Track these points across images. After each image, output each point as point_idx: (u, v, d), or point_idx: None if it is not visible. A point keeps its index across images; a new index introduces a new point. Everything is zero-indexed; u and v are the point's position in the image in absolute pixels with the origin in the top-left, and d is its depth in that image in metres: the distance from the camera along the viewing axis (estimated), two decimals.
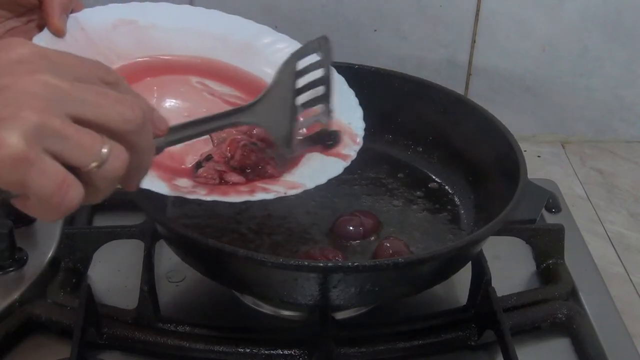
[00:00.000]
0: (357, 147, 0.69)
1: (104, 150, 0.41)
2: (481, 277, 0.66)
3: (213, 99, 0.70)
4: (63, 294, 0.68)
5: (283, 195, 0.63)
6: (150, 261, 0.67)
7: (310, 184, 0.64)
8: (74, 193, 0.41)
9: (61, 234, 0.72)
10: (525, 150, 0.71)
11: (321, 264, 0.60)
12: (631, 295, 0.75)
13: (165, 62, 0.70)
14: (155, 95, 0.68)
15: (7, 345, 0.64)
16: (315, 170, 0.66)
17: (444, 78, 0.95)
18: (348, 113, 0.71)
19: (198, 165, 0.65)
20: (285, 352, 0.63)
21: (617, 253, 0.81)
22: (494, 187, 0.72)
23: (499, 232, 0.66)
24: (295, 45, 0.71)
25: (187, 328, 0.65)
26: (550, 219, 0.82)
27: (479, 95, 0.95)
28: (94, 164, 0.41)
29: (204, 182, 0.64)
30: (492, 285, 0.65)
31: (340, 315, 0.68)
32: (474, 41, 0.94)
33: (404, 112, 0.83)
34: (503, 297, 0.68)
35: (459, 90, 0.94)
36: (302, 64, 0.64)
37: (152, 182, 0.59)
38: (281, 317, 0.69)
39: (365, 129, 0.83)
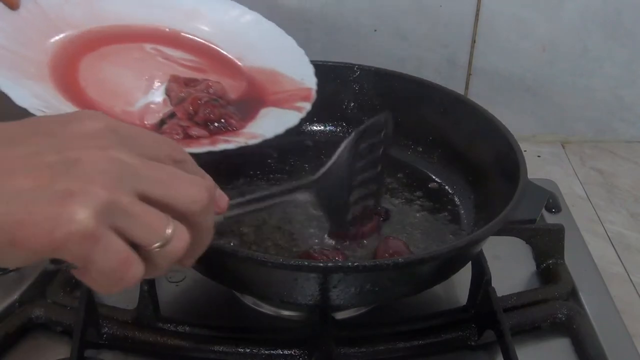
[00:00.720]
0: (312, 100, 0.73)
1: (169, 231, 0.41)
2: (481, 277, 0.66)
3: (168, 63, 0.74)
4: (63, 294, 0.68)
5: (244, 145, 0.66)
6: None
7: (269, 134, 0.67)
8: (135, 271, 0.41)
9: None
10: (525, 150, 0.71)
11: (321, 264, 0.60)
12: (631, 295, 0.75)
13: (117, 31, 0.73)
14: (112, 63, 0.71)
15: (7, 345, 0.64)
16: (273, 122, 0.69)
17: (444, 78, 0.95)
18: (300, 69, 0.75)
19: (162, 122, 0.67)
20: (285, 352, 0.63)
21: (617, 253, 0.81)
22: (494, 187, 0.72)
23: (499, 232, 0.66)
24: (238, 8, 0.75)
25: (187, 328, 0.65)
26: (550, 219, 0.82)
27: (479, 95, 0.95)
28: (157, 244, 0.41)
29: (168, 137, 0.65)
30: (492, 285, 0.65)
31: (340, 315, 0.68)
32: (474, 41, 0.95)
33: (404, 112, 0.83)
34: (503, 297, 0.68)
35: (459, 90, 0.94)
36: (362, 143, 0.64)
37: None
38: (281, 317, 0.69)
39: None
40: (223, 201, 0.49)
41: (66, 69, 0.67)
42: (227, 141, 0.66)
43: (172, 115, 0.68)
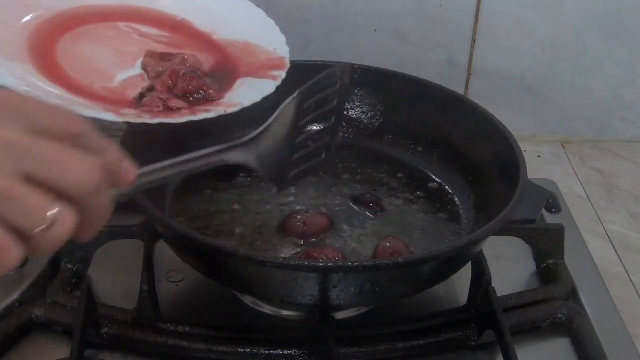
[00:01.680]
0: (286, 68, 0.74)
1: (51, 215, 0.39)
2: (481, 277, 0.66)
3: (143, 40, 0.75)
4: (63, 294, 0.68)
5: (223, 113, 0.66)
6: (150, 261, 0.67)
7: (247, 102, 0.68)
8: (13, 255, 0.39)
9: None
10: (525, 150, 0.71)
11: (321, 264, 0.60)
12: (631, 295, 0.75)
13: (91, 12, 0.75)
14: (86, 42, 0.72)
15: (7, 345, 0.64)
16: (250, 91, 0.70)
17: (444, 78, 0.95)
18: (272, 39, 0.77)
19: (141, 96, 0.68)
20: (285, 352, 0.63)
21: (617, 253, 0.81)
22: (494, 187, 0.72)
23: (499, 232, 0.66)
24: None
25: (187, 328, 0.65)
26: (550, 219, 0.82)
27: (479, 95, 0.95)
28: (38, 230, 0.39)
29: (149, 110, 0.67)
30: (492, 285, 0.65)
31: (340, 315, 0.68)
32: (474, 41, 0.94)
33: (404, 112, 0.83)
34: (503, 297, 0.68)
35: (459, 90, 0.94)
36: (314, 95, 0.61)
37: (99, 113, 0.62)
38: (281, 317, 0.69)
39: (366, 129, 0.84)
40: (130, 174, 0.46)
41: (44, 49, 0.69)
42: (207, 110, 0.67)
43: (151, 88, 0.69)
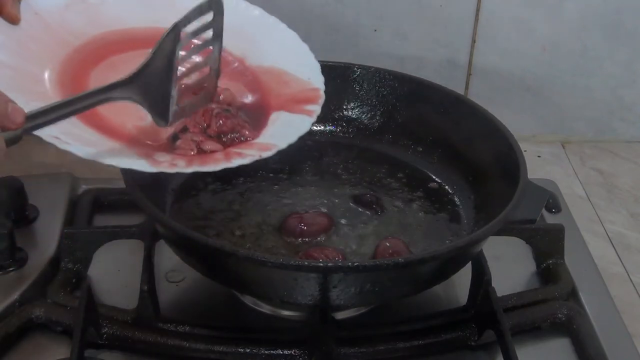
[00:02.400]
0: (321, 102, 0.69)
1: None
2: (481, 277, 0.66)
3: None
4: (63, 294, 0.68)
5: (258, 158, 0.64)
6: (150, 261, 0.67)
7: (282, 144, 0.65)
8: None
9: (61, 234, 0.72)
10: (525, 150, 0.71)
11: (321, 264, 0.60)
12: (631, 295, 0.75)
13: (121, 38, 0.70)
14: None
15: (7, 345, 0.64)
16: (284, 130, 0.67)
17: (444, 78, 0.95)
18: (306, 68, 0.72)
19: (175, 137, 0.66)
20: (285, 352, 0.63)
21: (617, 253, 0.81)
22: (494, 187, 0.72)
23: (499, 232, 0.66)
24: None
25: (187, 328, 0.65)
26: (550, 219, 0.82)
27: (479, 95, 0.95)
28: None
29: (183, 153, 0.64)
30: (492, 285, 0.65)
31: (340, 315, 0.67)
32: (474, 41, 0.95)
33: (404, 112, 0.83)
34: (503, 297, 0.68)
35: (459, 90, 0.94)
36: (190, 27, 0.62)
37: (133, 161, 0.59)
38: (281, 317, 0.69)
39: (366, 129, 0.84)
40: (18, 116, 0.46)
41: (76, 84, 0.65)
42: (241, 155, 0.64)
43: (184, 129, 0.66)
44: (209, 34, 0.65)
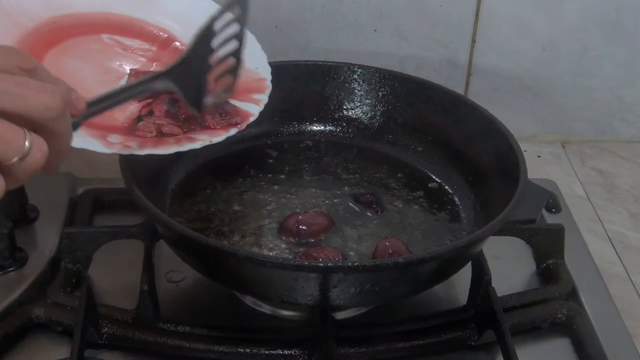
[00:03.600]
0: (268, 91, 0.72)
1: (27, 144, 0.42)
2: (481, 277, 0.66)
3: (126, 53, 0.74)
4: (63, 294, 0.68)
5: (208, 143, 0.66)
6: (150, 261, 0.67)
7: (232, 131, 0.68)
8: None
9: (61, 234, 0.72)
10: (525, 150, 0.71)
11: (321, 264, 0.60)
12: (631, 295, 0.75)
13: (75, 22, 0.73)
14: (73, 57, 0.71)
15: (7, 345, 0.64)
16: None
17: (444, 78, 0.95)
18: (253, 59, 0.74)
19: (138, 119, 0.68)
20: (285, 352, 0.63)
21: (617, 253, 0.81)
22: (494, 187, 0.72)
23: (499, 232, 0.66)
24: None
25: (187, 328, 0.65)
26: (550, 219, 0.82)
27: (479, 95, 0.95)
28: (15, 159, 0.41)
29: (142, 135, 0.66)
30: (492, 285, 0.65)
31: (340, 315, 0.68)
32: (474, 41, 0.94)
33: (404, 112, 0.83)
34: (503, 297, 0.68)
35: (459, 90, 0.94)
36: (219, 23, 0.64)
37: (86, 141, 0.61)
38: (281, 317, 0.69)
39: (366, 129, 0.84)
40: (80, 103, 0.48)
41: None
42: (192, 140, 0.66)
43: (150, 112, 0.68)
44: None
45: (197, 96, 0.65)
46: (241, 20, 0.66)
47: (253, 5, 0.90)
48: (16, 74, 0.43)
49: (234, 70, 0.67)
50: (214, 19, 0.63)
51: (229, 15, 0.64)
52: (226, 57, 0.66)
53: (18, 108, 0.42)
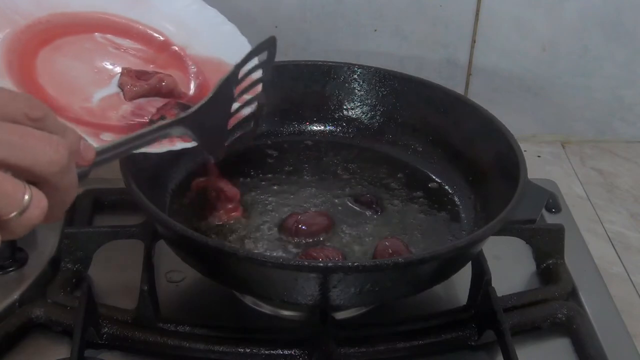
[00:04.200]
0: (257, 93, 0.71)
1: (26, 198, 0.40)
2: (481, 277, 0.66)
3: (118, 52, 0.74)
4: (63, 294, 0.68)
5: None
6: (150, 261, 0.67)
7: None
8: None
9: (61, 234, 0.72)
10: (525, 150, 0.71)
11: (321, 264, 0.60)
12: (631, 295, 0.75)
13: (68, 21, 0.73)
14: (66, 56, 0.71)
15: (7, 345, 0.64)
16: None
17: (444, 78, 0.95)
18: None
19: (151, 122, 0.67)
20: (285, 352, 0.63)
21: (617, 253, 0.81)
22: (494, 187, 0.72)
23: (499, 232, 0.66)
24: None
25: (187, 328, 0.65)
26: (550, 219, 0.82)
27: (479, 95, 0.95)
28: (14, 213, 0.40)
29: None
30: (492, 285, 0.65)
31: (340, 315, 0.68)
32: (474, 41, 0.94)
33: (404, 112, 0.83)
34: (503, 297, 0.68)
35: (459, 90, 0.94)
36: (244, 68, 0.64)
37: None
38: (281, 317, 0.69)
39: (366, 129, 0.83)
40: (89, 153, 0.47)
41: (23, 64, 0.67)
42: (185, 139, 0.66)
43: (162, 118, 0.68)
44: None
45: (216, 143, 0.64)
46: (266, 64, 0.65)
47: (253, 6, 0.91)
48: (22, 123, 0.41)
49: (258, 113, 0.67)
50: (239, 66, 0.63)
51: (254, 61, 0.64)
52: (251, 101, 0.66)
53: (21, 161, 0.40)
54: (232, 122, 0.66)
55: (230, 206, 0.72)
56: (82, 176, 0.47)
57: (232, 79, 0.63)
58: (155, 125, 0.57)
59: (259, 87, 0.67)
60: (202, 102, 0.61)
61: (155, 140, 0.57)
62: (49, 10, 0.71)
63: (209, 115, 0.61)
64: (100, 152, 0.49)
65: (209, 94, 0.61)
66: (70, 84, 0.69)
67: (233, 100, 0.64)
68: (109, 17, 0.75)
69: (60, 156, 0.42)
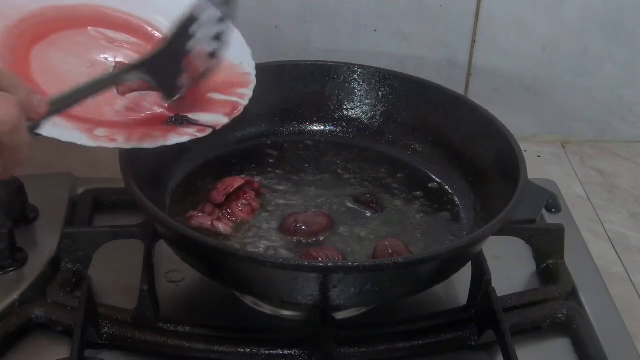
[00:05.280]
0: (252, 86, 0.73)
1: None
2: (481, 277, 0.66)
3: (111, 46, 0.74)
4: (63, 294, 0.68)
5: (194, 137, 0.67)
6: (150, 261, 0.67)
7: (218, 126, 0.69)
8: None
9: (61, 234, 0.72)
10: (525, 150, 0.71)
11: (321, 264, 0.60)
12: (631, 295, 0.75)
13: (61, 15, 0.72)
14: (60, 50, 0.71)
15: (7, 345, 0.64)
16: (218, 111, 0.70)
17: (444, 78, 0.95)
18: (238, 52, 0.74)
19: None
20: (285, 352, 0.63)
21: (617, 253, 0.81)
22: (494, 187, 0.72)
23: (499, 232, 0.66)
24: None
25: (187, 328, 0.65)
26: (550, 219, 0.82)
27: (479, 95, 0.95)
28: None
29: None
30: (492, 285, 0.65)
31: (340, 315, 0.68)
32: (474, 41, 0.95)
33: (404, 112, 0.83)
34: (503, 297, 0.68)
35: (459, 90, 0.94)
36: (202, 16, 0.64)
37: (72, 135, 0.61)
38: (281, 317, 0.69)
39: (366, 129, 0.83)
40: (42, 106, 0.47)
41: (16, 57, 0.67)
42: (179, 134, 0.67)
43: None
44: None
45: (172, 81, 0.64)
46: (226, 19, 0.65)
47: (253, 6, 0.91)
48: None
49: (214, 63, 0.67)
50: (194, 10, 0.63)
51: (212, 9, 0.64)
52: (209, 41, 0.66)
53: None
54: (195, 59, 0.66)
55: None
56: (34, 128, 0.47)
57: (188, 20, 0.62)
58: (111, 73, 0.58)
59: None
60: (159, 46, 0.61)
61: (112, 85, 0.58)
62: (42, 4, 0.71)
63: (166, 57, 0.62)
64: (55, 103, 0.49)
65: (165, 37, 0.62)
66: (64, 78, 0.68)
67: (190, 39, 0.64)
68: (103, 10, 0.75)
69: (9, 116, 0.42)
